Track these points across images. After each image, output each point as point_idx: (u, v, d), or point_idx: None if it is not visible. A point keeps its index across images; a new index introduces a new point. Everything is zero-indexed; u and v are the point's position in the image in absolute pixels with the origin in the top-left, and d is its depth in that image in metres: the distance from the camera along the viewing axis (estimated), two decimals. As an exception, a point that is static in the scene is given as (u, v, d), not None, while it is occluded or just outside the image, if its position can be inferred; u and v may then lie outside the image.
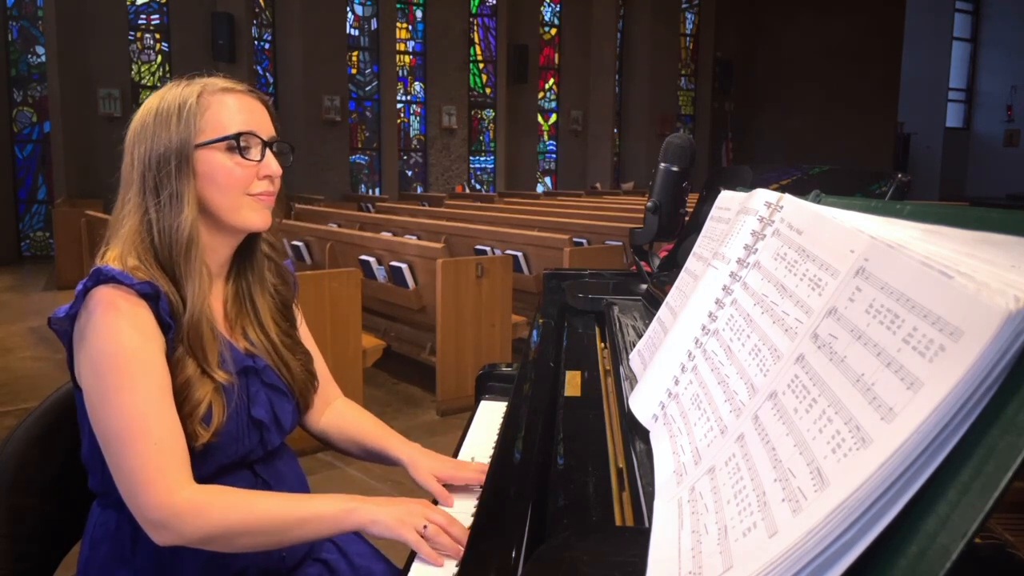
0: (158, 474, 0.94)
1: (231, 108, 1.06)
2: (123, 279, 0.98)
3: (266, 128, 1.09)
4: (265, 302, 1.17)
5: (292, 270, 1.25)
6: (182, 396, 1.00)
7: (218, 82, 1.09)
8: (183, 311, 1.02)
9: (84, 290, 0.99)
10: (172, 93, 1.07)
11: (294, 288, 1.23)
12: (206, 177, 1.04)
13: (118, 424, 0.95)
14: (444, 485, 1.14)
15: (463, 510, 1.09)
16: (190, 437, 0.99)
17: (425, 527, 0.93)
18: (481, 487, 1.11)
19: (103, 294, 0.97)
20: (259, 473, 1.12)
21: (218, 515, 0.94)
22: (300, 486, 1.20)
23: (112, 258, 1.02)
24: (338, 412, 1.29)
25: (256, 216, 1.08)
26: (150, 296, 0.99)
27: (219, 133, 1.04)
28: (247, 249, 1.15)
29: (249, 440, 1.08)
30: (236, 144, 1.05)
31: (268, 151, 1.08)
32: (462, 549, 0.88)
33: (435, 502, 1.11)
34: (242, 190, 1.06)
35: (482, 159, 13.80)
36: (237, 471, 1.09)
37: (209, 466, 1.04)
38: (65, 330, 1.02)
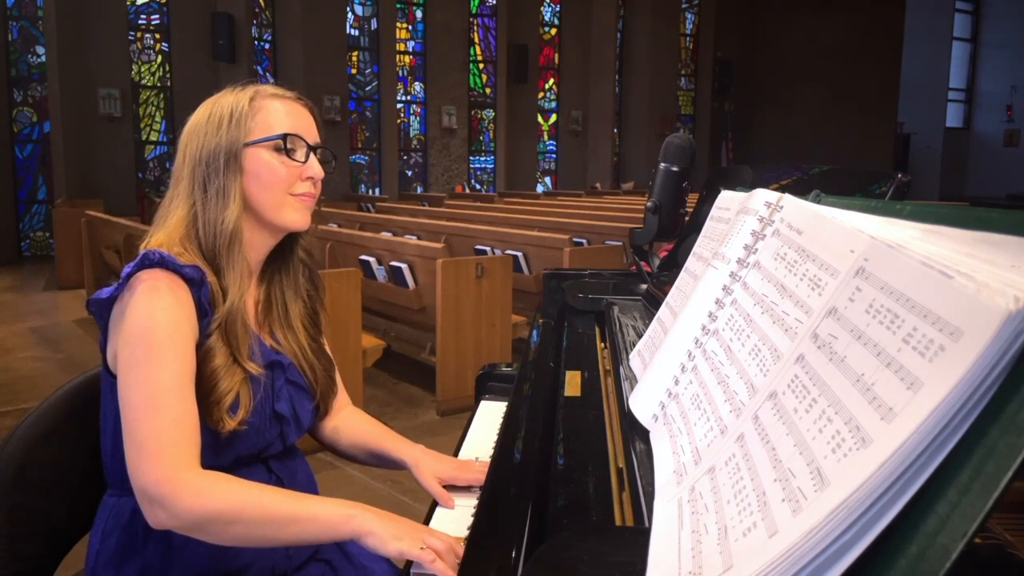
0: (167, 449, 0.94)
1: (280, 112, 1.11)
2: (170, 261, 1.01)
3: (312, 134, 1.13)
4: (297, 307, 1.19)
5: None
6: (211, 383, 1.01)
7: (269, 88, 1.14)
8: (222, 300, 1.05)
9: (129, 274, 1.01)
10: (225, 97, 1.12)
11: (323, 293, 1.26)
12: (252, 174, 1.09)
13: (140, 394, 0.96)
14: (447, 487, 1.14)
15: (465, 510, 1.09)
16: (216, 424, 1.01)
17: (422, 549, 0.90)
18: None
19: (148, 275, 1.00)
20: (273, 469, 1.13)
21: (216, 499, 0.93)
22: (310, 485, 1.21)
23: (156, 244, 1.05)
24: (346, 419, 1.30)
25: (297, 215, 1.12)
26: (194, 281, 1.02)
27: (267, 134, 1.09)
28: (283, 254, 1.18)
29: (269, 433, 1.10)
30: (283, 145, 1.09)
31: (312, 154, 1.12)
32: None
33: (435, 504, 1.11)
34: (285, 189, 1.10)
35: (482, 159, 13.80)
36: (253, 464, 1.11)
37: (228, 456, 1.05)
38: (103, 313, 1.03)
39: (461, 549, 0.91)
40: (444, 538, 0.93)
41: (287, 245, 1.18)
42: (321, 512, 0.95)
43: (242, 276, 1.07)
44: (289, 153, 1.10)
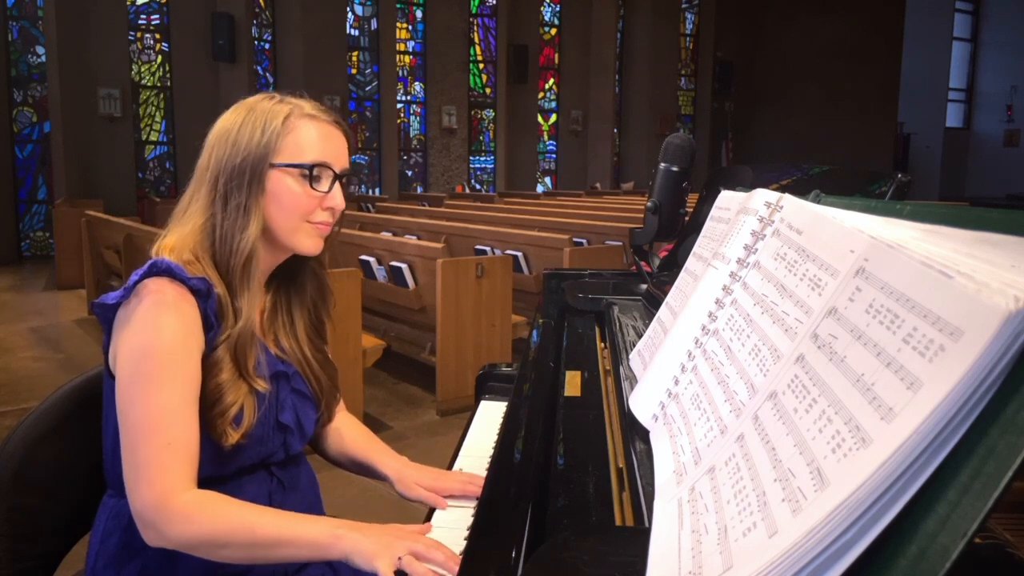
0: (162, 473, 0.95)
1: (312, 136, 1.08)
2: (178, 272, 1.00)
3: (342, 160, 1.11)
4: (303, 316, 1.19)
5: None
6: (216, 396, 1.01)
7: (307, 107, 1.11)
8: (233, 317, 1.04)
9: (137, 280, 1.00)
10: (262, 106, 1.09)
11: (330, 304, 1.25)
12: (273, 195, 1.07)
13: (139, 415, 0.96)
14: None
15: (464, 511, 1.09)
16: (220, 437, 1.01)
17: (400, 559, 0.90)
18: (464, 495, 1.12)
19: (155, 285, 0.99)
20: (275, 474, 1.13)
21: (205, 525, 0.94)
22: (312, 488, 1.21)
23: (168, 247, 1.04)
24: (338, 425, 1.30)
25: (310, 242, 1.11)
26: (201, 293, 1.01)
27: (296, 158, 1.07)
28: (291, 263, 1.17)
29: (273, 443, 1.10)
30: (309, 173, 1.07)
31: (337, 184, 1.10)
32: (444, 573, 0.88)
33: (432, 511, 1.11)
34: (303, 216, 1.09)
35: (482, 159, 13.80)
36: (255, 471, 1.10)
37: (231, 466, 1.05)
38: (107, 316, 1.03)
39: (448, 551, 0.92)
40: (428, 543, 0.93)
41: (297, 256, 1.17)
42: (308, 534, 0.95)
43: (255, 295, 1.07)
44: (313, 182, 1.08)
